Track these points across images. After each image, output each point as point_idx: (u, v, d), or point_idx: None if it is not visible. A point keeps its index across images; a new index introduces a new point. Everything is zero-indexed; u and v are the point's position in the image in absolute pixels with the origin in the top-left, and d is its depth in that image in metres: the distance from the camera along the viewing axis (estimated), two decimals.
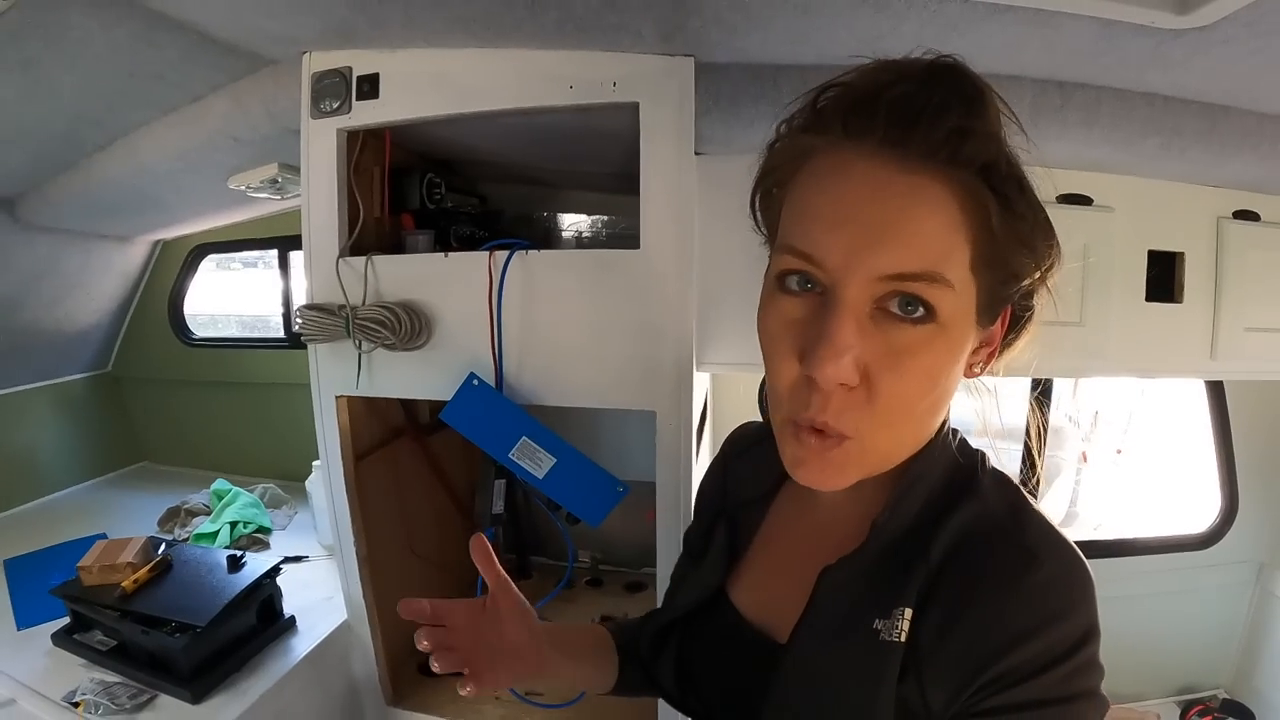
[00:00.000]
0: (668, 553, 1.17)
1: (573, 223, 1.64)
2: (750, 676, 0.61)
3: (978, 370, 0.57)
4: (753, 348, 1.52)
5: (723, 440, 0.83)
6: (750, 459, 0.73)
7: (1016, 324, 0.57)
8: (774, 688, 0.57)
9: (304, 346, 1.21)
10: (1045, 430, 0.60)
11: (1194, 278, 1.52)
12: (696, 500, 0.84)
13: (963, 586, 0.51)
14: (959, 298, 0.49)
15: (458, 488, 1.70)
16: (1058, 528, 0.53)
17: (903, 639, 0.51)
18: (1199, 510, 2.34)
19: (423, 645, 0.67)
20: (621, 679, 0.81)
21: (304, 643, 1.34)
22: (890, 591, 0.53)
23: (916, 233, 0.47)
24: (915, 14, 0.86)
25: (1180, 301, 1.52)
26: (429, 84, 1.08)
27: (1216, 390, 2.18)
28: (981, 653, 0.48)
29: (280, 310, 2.29)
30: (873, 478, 0.56)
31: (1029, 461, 0.58)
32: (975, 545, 0.53)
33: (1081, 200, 1.41)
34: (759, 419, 2.33)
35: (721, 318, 1.36)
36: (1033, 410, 1.75)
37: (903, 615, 0.52)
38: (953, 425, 0.60)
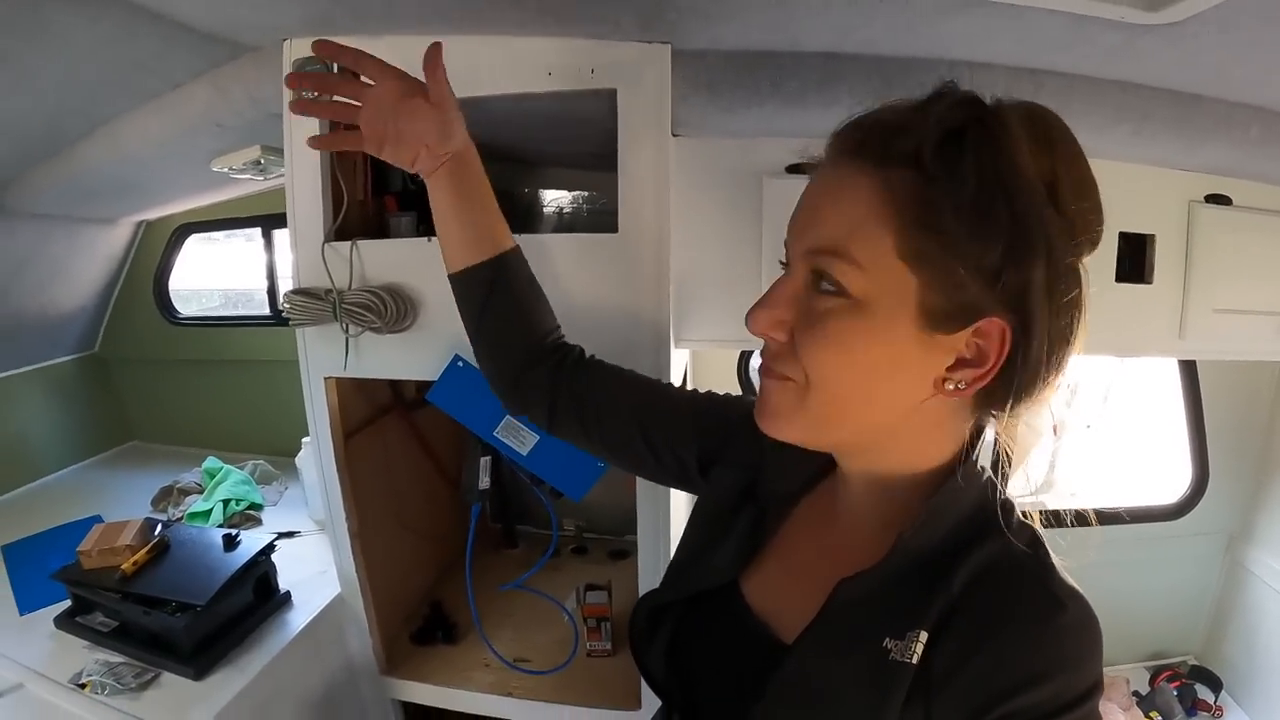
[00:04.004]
0: (649, 523, 1.20)
1: (554, 198, 1.66)
2: (748, 671, 0.62)
3: (955, 388, 0.54)
4: (726, 325, 1.55)
5: None
6: (788, 454, 0.68)
7: (1023, 352, 0.53)
8: (770, 688, 0.57)
9: (289, 324, 1.23)
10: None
11: (1164, 259, 1.55)
12: (737, 405, 0.83)
13: (985, 619, 0.52)
14: (873, 279, 0.52)
15: (445, 462, 1.74)
16: (1074, 582, 0.54)
17: (915, 661, 0.52)
18: (1172, 482, 2.40)
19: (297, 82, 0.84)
20: (469, 274, 0.85)
21: (299, 617, 1.37)
22: (906, 613, 0.54)
23: (832, 215, 0.54)
24: (888, 6, 0.87)
25: (1150, 282, 1.55)
26: (409, 70, 1.08)
27: (1189, 368, 2.23)
28: (996, 687, 0.49)
29: (265, 287, 2.29)
30: (897, 491, 0.60)
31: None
32: (999, 581, 0.54)
33: None
34: (738, 391, 2.34)
35: (698, 296, 1.39)
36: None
37: (918, 638, 0.53)
38: (983, 465, 0.60)
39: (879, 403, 0.57)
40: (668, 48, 1.03)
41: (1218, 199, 1.56)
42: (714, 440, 0.80)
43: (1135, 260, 1.55)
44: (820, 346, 0.55)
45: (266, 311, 2.30)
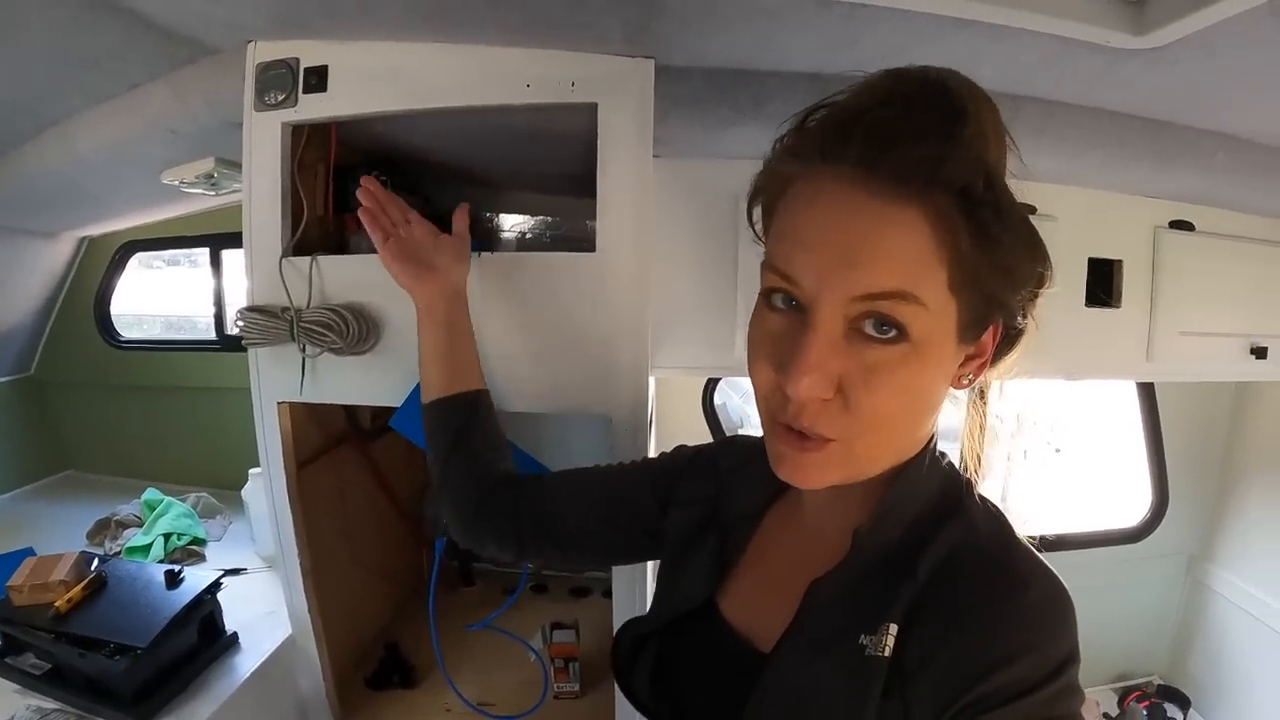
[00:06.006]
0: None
1: (514, 224, 1.61)
2: (731, 686, 0.61)
3: (966, 382, 0.58)
4: (701, 351, 1.52)
5: (712, 444, 0.86)
6: (745, 474, 0.74)
7: (1009, 337, 0.58)
8: (753, 698, 0.57)
9: (238, 349, 1.15)
10: (984, 429, 0.65)
11: (1131, 284, 1.59)
12: (676, 454, 0.86)
13: (950, 606, 0.52)
14: (934, 317, 0.50)
15: (400, 495, 1.66)
16: (1041, 556, 0.55)
17: (887, 654, 0.52)
18: (1127, 506, 2.44)
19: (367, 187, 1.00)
20: (449, 402, 0.93)
21: (248, 660, 1.27)
22: (878, 607, 0.54)
23: (887, 255, 0.49)
24: (881, 24, 0.86)
25: (1118, 307, 1.58)
26: (380, 78, 1.04)
27: (1148, 392, 2.28)
28: (967, 672, 0.49)
29: (212, 311, 2.18)
30: (857, 488, 0.59)
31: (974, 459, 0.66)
32: (963, 566, 0.54)
33: (1026, 209, 1.45)
34: (702, 420, 2.31)
35: (671, 321, 1.35)
36: (974, 409, 1.81)
37: (888, 631, 0.53)
38: (942, 449, 0.62)
39: (922, 424, 0.58)
40: (651, 62, 1.00)
41: (1181, 225, 1.60)
42: (666, 490, 0.81)
43: (1104, 285, 1.58)
44: (885, 399, 0.51)
45: (212, 337, 2.20)
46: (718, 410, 2.29)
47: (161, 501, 1.87)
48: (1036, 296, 0.56)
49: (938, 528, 0.56)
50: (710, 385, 2.20)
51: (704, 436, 2.15)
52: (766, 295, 0.55)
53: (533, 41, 0.99)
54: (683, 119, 1.11)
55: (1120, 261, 1.57)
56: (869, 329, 0.50)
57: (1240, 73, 0.99)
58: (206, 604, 1.27)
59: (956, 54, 0.95)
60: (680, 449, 0.87)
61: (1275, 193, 1.46)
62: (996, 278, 0.52)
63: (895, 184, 0.48)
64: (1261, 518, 2.22)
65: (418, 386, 1.08)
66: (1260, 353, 1.66)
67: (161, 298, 2.66)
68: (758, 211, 0.61)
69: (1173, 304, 1.60)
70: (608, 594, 1.75)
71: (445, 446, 0.93)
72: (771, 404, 0.55)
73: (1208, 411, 2.30)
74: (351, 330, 1.07)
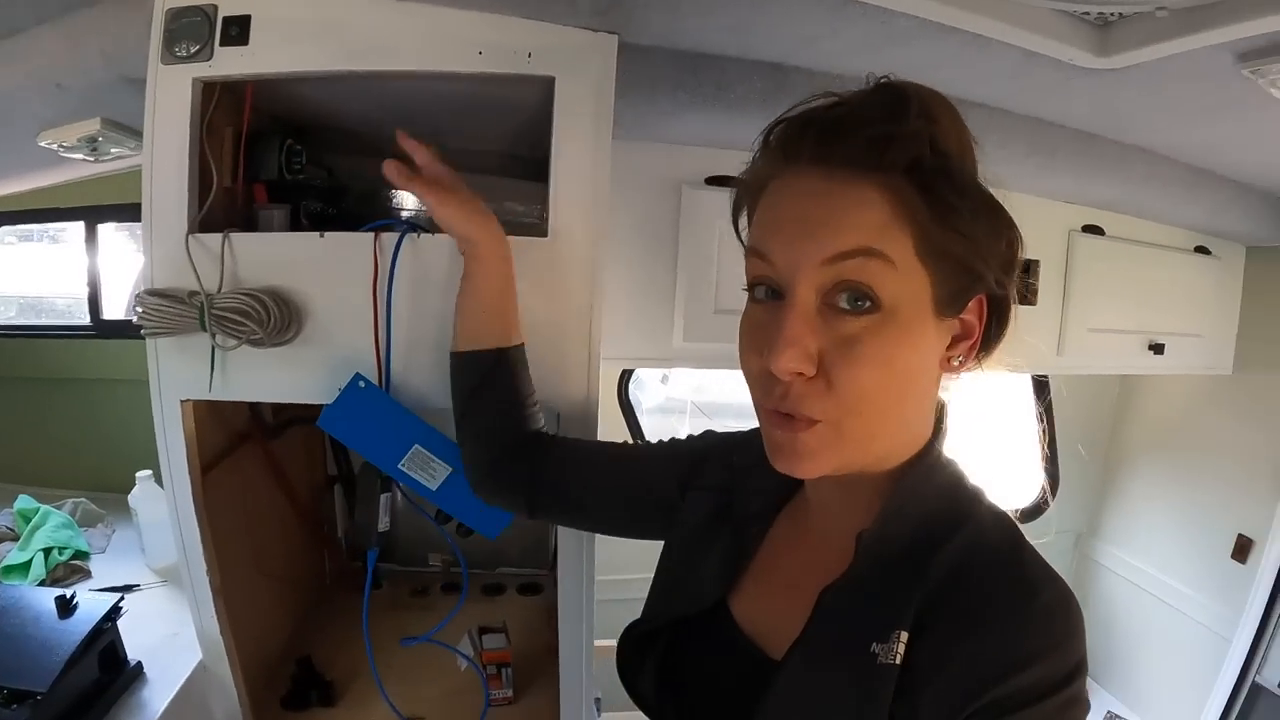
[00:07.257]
0: (570, 555, 1.08)
1: (418, 204, 1.50)
2: (741, 692, 0.61)
3: (957, 364, 0.59)
4: (640, 342, 1.47)
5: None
6: (758, 474, 0.72)
7: (997, 316, 0.59)
8: (764, 705, 0.57)
9: (117, 335, 1.01)
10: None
11: (1046, 283, 1.68)
12: (704, 438, 0.87)
13: (960, 612, 0.52)
14: (904, 280, 0.52)
15: (300, 495, 1.52)
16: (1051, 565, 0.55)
17: (898, 662, 0.52)
18: (1014, 488, 2.61)
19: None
20: (467, 358, 0.90)
21: (157, 693, 1.13)
22: (888, 614, 0.54)
23: (851, 221, 0.52)
24: (865, 21, 0.84)
25: (1034, 304, 1.66)
26: (312, 33, 0.93)
27: (1041, 382, 2.43)
28: (977, 678, 0.49)
29: (85, 293, 1.94)
30: (861, 489, 0.60)
31: None
32: (973, 572, 0.54)
33: None
34: (616, 411, 2.29)
35: (609, 310, 1.30)
36: None
37: (899, 638, 0.52)
38: (951, 457, 0.62)
39: (910, 403, 0.58)
40: (615, 38, 0.94)
41: (1093, 229, 1.70)
42: (688, 472, 0.82)
43: (1023, 283, 1.66)
44: (864, 372, 0.52)
45: (86, 321, 1.94)
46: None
47: (37, 511, 1.64)
48: (1013, 267, 0.58)
49: (947, 532, 0.56)
50: (625, 376, 2.16)
51: (618, 427, 2.17)
52: (751, 291, 0.58)
53: (489, 5, 0.91)
54: (640, 100, 1.06)
55: (1038, 261, 1.65)
56: (843, 303, 0.52)
57: (1181, 98, 1.06)
58: (107, 633, 1.11)
59: (924, 57, 0.96)
60: (708, 433, 0.87)
61: (1183, 203, 1.57)
62: (962, 244, 0.53)
63: (849, 169, 0.52)
64: (1142, 496, 2.45)
65: (352, 382, 0.99)
66: (1158, 349, 1.80)
67: (14, 277, 2.34)
68: (743, 222, 0.63)
69: (1082, 302, 1.71)
70: (524, 590, 1.69)
71: (458, 406, 0.93)
72: (760, 391, 0.57)
73: (1097, 401, 2.49)
74: (272, 318, 0.96)
